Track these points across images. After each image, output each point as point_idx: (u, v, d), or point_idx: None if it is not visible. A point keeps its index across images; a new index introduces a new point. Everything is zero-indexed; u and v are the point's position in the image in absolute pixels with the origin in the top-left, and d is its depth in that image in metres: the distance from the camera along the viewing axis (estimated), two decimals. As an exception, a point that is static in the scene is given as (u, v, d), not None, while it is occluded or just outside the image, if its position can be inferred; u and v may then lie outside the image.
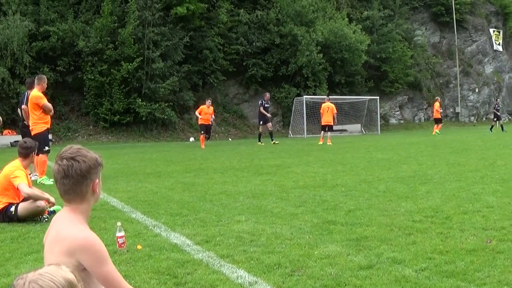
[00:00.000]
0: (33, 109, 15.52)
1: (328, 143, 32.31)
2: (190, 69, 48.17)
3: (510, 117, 76.02)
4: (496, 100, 55.30)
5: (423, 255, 6.66)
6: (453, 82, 71.61)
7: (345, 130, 54.07)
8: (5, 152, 28.70)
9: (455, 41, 72.10)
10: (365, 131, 55.73)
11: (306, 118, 49.07)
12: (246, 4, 54.05)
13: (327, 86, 53.24)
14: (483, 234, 7.66)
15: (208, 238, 7.89)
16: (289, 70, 52.27)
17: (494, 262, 6.28)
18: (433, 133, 44.19)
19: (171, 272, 6.30)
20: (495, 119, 49.02)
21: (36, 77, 16.11)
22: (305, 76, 51.99)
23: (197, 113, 33.71)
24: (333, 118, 34.29)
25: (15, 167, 10.05)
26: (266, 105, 35.27)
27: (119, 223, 7.38)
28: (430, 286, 5.57)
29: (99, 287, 3.70)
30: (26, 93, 17.51)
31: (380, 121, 57.65)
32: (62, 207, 3.88)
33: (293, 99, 51.01)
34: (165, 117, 45.11)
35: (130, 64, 42.63)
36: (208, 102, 33.85)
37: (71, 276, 2.44)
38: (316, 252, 6.95)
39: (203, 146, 31.82)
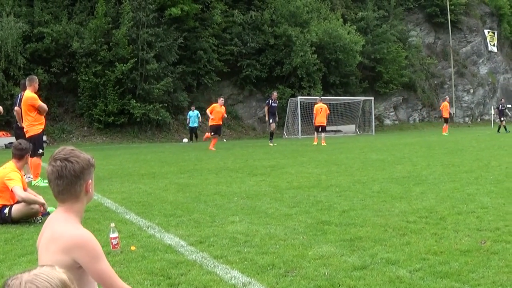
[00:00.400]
0: (28, 110, 15.38)
1: (322, 144, 32.34)
2: (185, 70, 48.18)
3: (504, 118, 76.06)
4: (501, 100, 55.11)
5: (417, 256, 6.65)
6: (448, 83, 71.77)
7: (339, 131, 54.15)
8: (0, 154, 28.66)
9: (449, 42, 72.25)
10: (359, 132, 55.78)
11: (301, 119, 49.04)
12: (240, 5, 54.08)
13: (321, 87, 53.33)
14: (477, 235, 7.65)
15: (202, 239, 7.88)
16: (284, 70, 52.32)
17: (488, 263, 6.27)
18: (444, 133, 43.98)
19: (165, 273, 6.28)
20: (501, 118, 48.63)
21: (27, 78, 15.93)
22: (300, 76, 52.05)
23: (208, 112, 31.55)
24: (326, 119, 34.29)
25: (9, 168, 10.01)
26: (273, 104, 34.69)
27: (112, 224, 7.37)
28: (424, 287, 5.55)
29: (94, 285, 3.74)
30: (20, 94, 17.43)
31: (375, 122, 57.74)
32: (56, 209, 3.89)
33: (288, 100, 51.00)
34: (160, 118, 45.13)
35: (124, 65, 42.66)
36: (221, 100, 31.90)
37: (65, 277, 2.44)
38: (310, 253, 6.93)
39: (213, 148, 30.00)
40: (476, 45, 77.06)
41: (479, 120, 72.52)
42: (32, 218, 9.74)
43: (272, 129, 35.14)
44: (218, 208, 10.47)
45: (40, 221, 9.53)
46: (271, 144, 33.36)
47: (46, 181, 3.80)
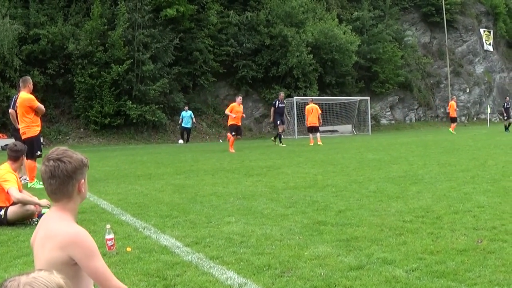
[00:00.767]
0: (25, 112, 15.23)
1: (318, 143, 32.34)
2: (181, 71, 48.19)
3: (500, 117, 76.21)
4: (506, 98, 55.17)
5: (413, 256, 6.63)
6: (444, 82, 71.82)
7: (336, 131, 54.16)
8: (-5, 155, 28.60)
9: (445, 41, 72.26)
10: (356, 132, 55.77)
11: (297, 119, 49.00)
12: (236, 5, 54.11)
13: (317, 87, 53.39)
14: (474, 234, 7.63)
15: (198, 240, 7.86)
16: (280, 71, 52.33)
17: (485, 262, 6.25)
18: (452, 131, 43.95)
19: (161, 274, 6.26)
20: (505, 117, 48.50)
21: (21, 80, 15.74)
22: (296, 77, 52.09)
23: (227, 111, 29.85)
24: (318, 119, 34.28)
25: (5, 170, 9.99)
26: (280, 105, 34.28)
27: (108, 226, 7.35)
28: (420, 287, 5.54)
29: (90, 283, 3.79)
30: (15, 96, 17.35)
31: (371, 122, 57.77)
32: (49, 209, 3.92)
33: (284, 100, 50.96)
34: (156, 119, 45.14)
35: (120, 66, 42.67)
36: (239, 99, 30.40)
37: (63, 283, 2.44)
38: (306, 253, 6.92)
39: (232, 150, 28.30)
40: (472, 44, 77.15)
41: (475, 119, 72.61)
42: (28, 219, 9.73)
43: (281, 131, 34.92)
44: (214, 209, 10.46)
45: (36, 222, 9.49)
46: (283, 145, 33.10)
47: (42, 183, 3.85)
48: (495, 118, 73.60)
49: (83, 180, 3.84)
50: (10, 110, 16.93)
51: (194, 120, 42.33)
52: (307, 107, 34.72)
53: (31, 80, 15.84)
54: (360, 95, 58.17)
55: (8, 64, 40.37)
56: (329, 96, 54.99)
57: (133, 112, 43.47)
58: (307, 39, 51.68)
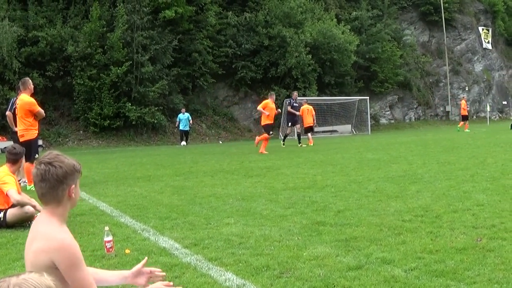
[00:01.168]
0: (24, 115, 15.15)
1: (310, 144, 32.42)
2: (180, 73, 48.18)
3: (500, 115, 76.27)
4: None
5: (412, 255, 6.62)
6: (443, 81, 71.90)
7: (335, 131, 54.17)
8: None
9: (444, 40, 72.37)
10: (355, 132, 55.74)
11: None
12: (234, 6, 54.13)
13: (316, 87, 53.39)
14: (473, 233, 7.62)
15: (197, 241, 7.85)
16: (279, 71, 52.32)
17: (484, 261, 6.24)
18: (466, 130, 43.86)
19: (159, 276, 6.25)
20: None
21: (20, 82, 15.62)
22: (295, 77, 52.06)
23: (260, 108, 27.89)
24: (313, 119, 34.34)
25: (3, 172, 10.00)
26: (295, 104, 33.33)
27: (107, 228, 7.35)
28: (419, 286, 5.53)
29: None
30: (13, 99, 17.30)
31: (371, 121, 57.76)
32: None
33: (283, 101, 50.93)
34: (155, 121, 45.14)
35: (119, 68, 42.65)
36: (273, 96, 28.74)
37: (53, 285, 2.43)
38: (305, 254, 6.90)
39: (265, 152, 26.65)
40: (470, 42, 77.20)
41: (474, 117, 72.57)
42: (27, 222, 9.71)
43: (298, 130, 34.46)
44: (213, 210, 10.45)
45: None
46: (302, 145, 32.05)
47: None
48: (494, 116, 73.64)
49: (73, 186, 3.84)
50: (7, 112, 16.90)
51: (191, 122, 41.97)
52: (302, 108, 34.70)
53: (30, 81, 15.65)
54: (359, 95, 58.17)
55: (7, 67, 40.37)
56: (328, 96, 55.02)
57: (132, 114, 43.47)
58: (305, 40, 51.68)
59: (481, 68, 77.35)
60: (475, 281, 5.58)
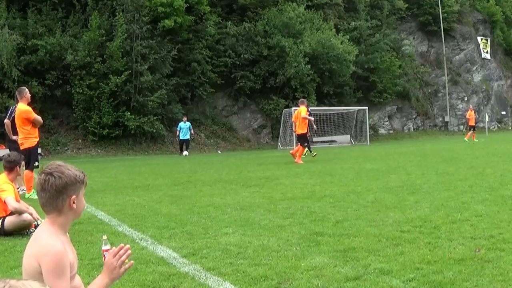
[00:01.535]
0: (22, 123, 15.22)
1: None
2: (179, 82, 48.25)
3: (499, 125, 76.31)
4: None
5: (410, 266, 6.60)
6: (442, 91, 71.94)
7: (334, 141, 54.16)
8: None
9: (443, 50, 72.48)
10: (354, 142, 55.75)
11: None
12: (233, 16, 54.27)
13: (315, 97, 53.42)
14: (471, 243, 7.61)
15: (195, 251, 7.83)
16: (278, 81, 52.39)
17: (482, 271, 6.23)
18: (474, 140, 43.90)
19: (157, 286, 6.25)
20: None
21: (17, 91, 15.64)
22: (294, 87, 52.10)
23: (306, 115, 26.43)
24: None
25: (1, 180, 9.99)
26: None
27: (104, 237, 7.28)
28: (417, 297, 5.53)
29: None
30: (12, 107, 17.31)
31: (369, 132, 57.75)
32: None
33: (282, 111, 51.01)
34: (154, 130, 45.17)
35: (119, 77, 42.72)
36: (306, 103, 27.47)
37: None
38: (303, 264, 6.89)
39: (301, 161, 25.62)
40: (469, 52, 77.28)
41: (473, 128, 72.63)
42: (25, 230, 9.70)
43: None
44: (212, 220, 10.43)
45: (33, 233, 9.47)
46: (314, 154, 30.88)
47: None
48: (493, 126, 73.65)
49: (74, 196, 3.87)
50: (6, 121, 16.89)
51: (192, 132, 41.78)
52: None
53: (27, 90, 15.69)
54: (358, 105, 58.25)
55: (6, 75, 40.40)
56: (327, 106, 55.12)
57: (131, 123, 43.51)
58: (304, 50, 51.75)
59: (479, 78, 77.42)
60: (473, 292, 5.58)
